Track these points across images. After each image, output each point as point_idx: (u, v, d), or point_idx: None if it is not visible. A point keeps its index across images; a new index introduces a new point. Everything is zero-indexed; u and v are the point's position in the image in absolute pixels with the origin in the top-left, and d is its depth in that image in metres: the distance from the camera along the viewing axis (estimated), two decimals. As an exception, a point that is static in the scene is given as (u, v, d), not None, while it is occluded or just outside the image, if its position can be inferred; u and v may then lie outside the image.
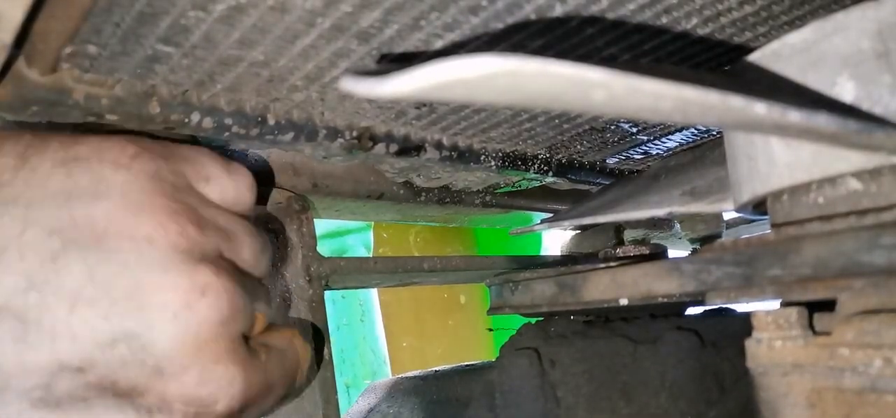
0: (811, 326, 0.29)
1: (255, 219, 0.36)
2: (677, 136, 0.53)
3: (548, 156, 0.53)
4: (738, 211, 0.36)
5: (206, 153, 0.34)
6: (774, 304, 0.30)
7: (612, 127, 0.49)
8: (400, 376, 0.63)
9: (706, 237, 0.75)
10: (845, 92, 0.27)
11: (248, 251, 0.33)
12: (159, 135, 0.35)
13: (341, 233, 1.58)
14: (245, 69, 0.33)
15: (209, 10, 0.28)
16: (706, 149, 0.50)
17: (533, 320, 0.57)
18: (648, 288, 0.37)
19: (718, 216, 0.73)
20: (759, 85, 0.29)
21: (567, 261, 0.69)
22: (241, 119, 0.37)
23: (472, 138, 0.47)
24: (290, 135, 0.39)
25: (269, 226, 0.39)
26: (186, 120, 0.35)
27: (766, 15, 0.34)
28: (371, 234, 1.39)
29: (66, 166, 0.29)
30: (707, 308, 0.52)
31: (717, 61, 0.39)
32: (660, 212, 0.42)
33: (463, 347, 1.35)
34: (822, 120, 0.22)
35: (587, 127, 0.48)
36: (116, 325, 0.28)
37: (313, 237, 0.45)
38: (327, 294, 0.46)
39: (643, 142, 0.54)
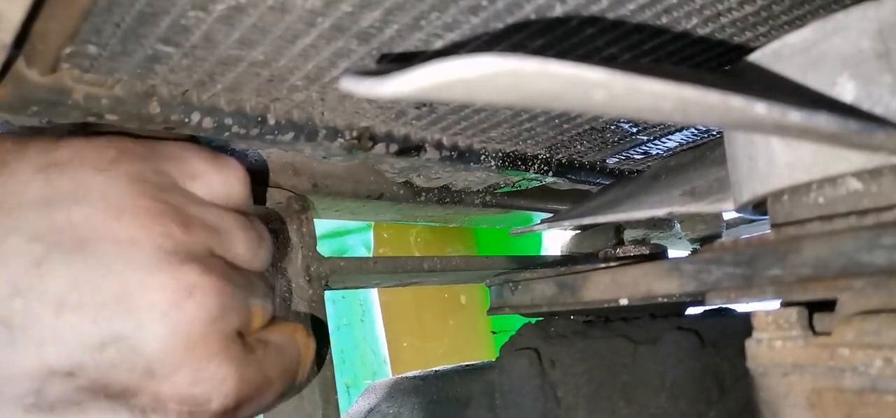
0: (811, 326, 0.29)
1: (254, 215, 0.36)
2: (677, 136, 0.53)
3: (548, 156, 0.53)
4: (738, 211, 0.36)
5: (193, 149, 0.34)
6: (774, 304, 0.30)
7: (612, 127, 0.49)
8: (400, 376, 0.63)
9: (706, 237, 0.75)
10: (845, 92, 0.27)
11: (242, 245, 0.33)
12: (159, 136, 0.35)
13: (341, 233, 1.58)
14: (245, 69, 0.33)
15: (209, 10, 0.28)
16: (706, 149, 0.50)
17: (533, 320, 0.57)
18: (648, 288, 0.37)
19: (718, 216, 0.73)
20: (759, 85, 0.29)
21: (567, 261, 0.68)
22: (241, 119, 0.37)
23: (472, 138, 0.47)
24: (290, 135, 0.39)
25: (270, 226, 0.39)
26: (186, 120, 0.35)
27: (766, 15, 0.34)
28: (371, 234, 1.39)
29: (45, 172, 0.29)
30: (707, 308, 0.52)
31: (717, 61, 0.39)
32: (660, 212, 0.42)
33: (463, 347, 1.36)
34: (823, 120, 0.22)
35: (587, 127, 0.48)
36: (105, 328, 0.28)
37: (313, 237, 0.45)
38: (327, 294, 0.46)
39: (643, 142, 0.54)
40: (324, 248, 0.45)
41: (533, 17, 0.31)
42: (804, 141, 0.28)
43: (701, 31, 0.35)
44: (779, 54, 0.29)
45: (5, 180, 0.29)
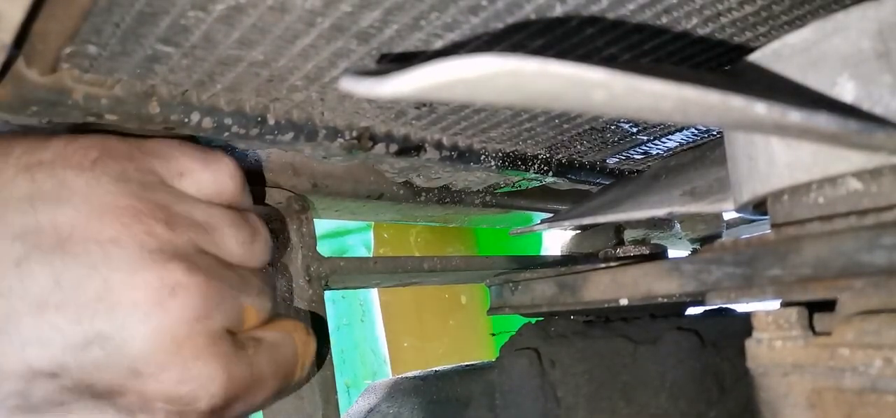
0: (811, 326, 0.29)
1: (251, 211, 0.36)
2: (677, 136, 0.53)
3: (548, 156, 0.53)
4: (738, 211, 0.36)
5: (181, 147, 0.34)
6: (774, 304, 0.30)
7: (612, 127, 0.49)
8: (400, 376, 0.63)
9: (706, 237, 0.75)
10: (845, 92, 0.27)
11: (233, 242, 0.33)
12: (158, 135, 0.35)
13: (341, 233, 1.58)
14: (245, 69, 0.33)
15: (209, 10, 0.28)
16: (706, 149, 0.50)
17: (533, 320, 0.57)
18: (648, 288, 0.37)
19: (718, 216, 0.73)
20: (759, 85, 0.29)
21: (567, 261, 0.68)
22: (241, 119, 0.37)
23: (472, 138, 0.47)
24: (289, 135, 0.39)
25: (270, 225, 0.39)
26: (186, 120, 0.35)
27: (766, 15, 0.34)
28: (371, 234, 1.39)
29: (29, 171, 0.29)
30: (707, 308, 0.52)
31: (717, 61, 0.39)
32: (660, 212, 0.42)
33: (463, 347, 1.35)
34: (823, 120, 0.22)
35: (587, 127, 0.48)
36: (88, 328, 0.28)
37: (313, 237, 0.45)
38: (327, 294, 0.46)
39: (643, 142, 0.54)
40: (324, 248, 0.45)
41: (533, 17, 0.31)
42: (804, 141, 0.28)
43: (701, 31, 0.35)
44: (779, 54, 0.29)
45: None
